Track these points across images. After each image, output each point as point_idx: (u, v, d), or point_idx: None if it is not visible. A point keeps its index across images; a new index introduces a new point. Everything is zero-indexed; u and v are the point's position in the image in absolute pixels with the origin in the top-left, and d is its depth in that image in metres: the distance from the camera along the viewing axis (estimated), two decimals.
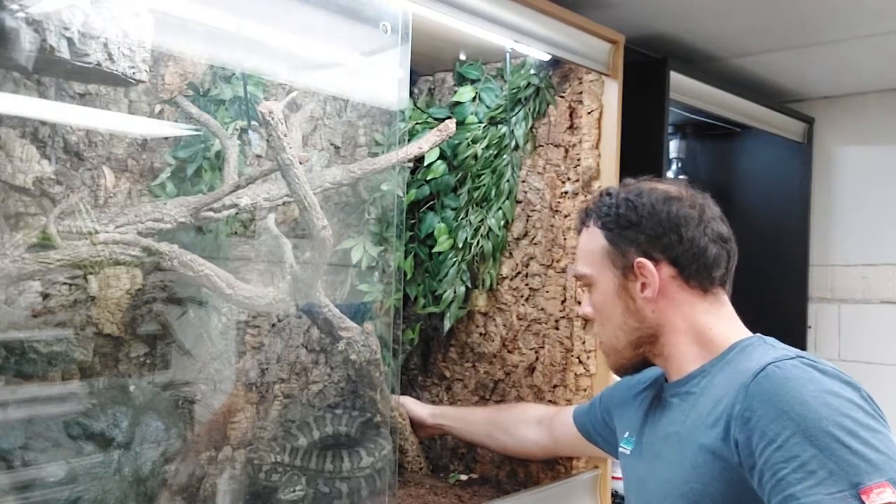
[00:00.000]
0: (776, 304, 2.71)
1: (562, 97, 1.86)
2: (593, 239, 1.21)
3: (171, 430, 1.36)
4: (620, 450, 1.30)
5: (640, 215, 1.16)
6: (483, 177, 1.92)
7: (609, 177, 1.77)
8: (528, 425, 1.65)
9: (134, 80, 1.16)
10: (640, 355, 1.21)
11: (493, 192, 1.90)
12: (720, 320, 1.17)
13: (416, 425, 1.76)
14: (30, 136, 1.28)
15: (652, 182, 1.22)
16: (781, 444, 0.95)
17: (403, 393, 2.02)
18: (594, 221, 1.21)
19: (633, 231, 1.16)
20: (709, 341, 1.16)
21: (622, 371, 1.25)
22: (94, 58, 1.09)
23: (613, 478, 1.90)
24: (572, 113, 1.84)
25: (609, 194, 1.22)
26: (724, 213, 1.22)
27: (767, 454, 0.96)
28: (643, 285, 1.16)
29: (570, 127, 1.84)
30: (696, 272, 1.15)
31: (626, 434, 1.29)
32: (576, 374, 1.80)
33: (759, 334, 1.16)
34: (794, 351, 1.07)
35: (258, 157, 1.59)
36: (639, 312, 1.17)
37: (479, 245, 1.91)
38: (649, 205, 1.16)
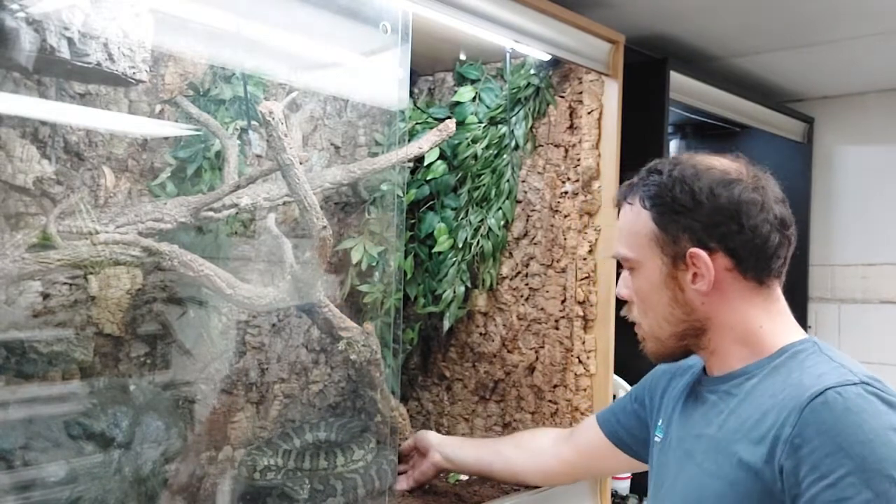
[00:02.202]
0: None
1: (562, 97, 1.86)
2: (639, 220, 1.09)
3: (172, 430, 1.35)
4: (654, 438, 1.22)
5: (697, 200, 1.03)
6: (483, 177, 1.92)
7: (609, 177, 1.77)
8: (544, 438, 1.52)
9: (134, 80, 1.16)
10: (683, 346, 1.11)
11: (493, 192, 1.90)
12: (772, 318, 1.08)
13: (420, 456, 1.59)
14: (30, 136, 1.28)
15: (706, 158, 1.09)
16: (834, 482, 0.89)
17: (404, 393, 2.03)
18: (640, 200, 1.09)
19: (688, 217, 1.04)
20: (757, 340, 1.06)
21: (661, 359, 1.16)
22: (94, 58, 1.09)
23: (613, 478, 1.90)
24: (572, 113, 1.84)
25: (659, 171, 1.08)
26: None
27: (816, 490, 0.90)
28: (695, 276, 1.05)
29: (570, 127, 1.84)
30: (754, 264, 1.05)
31: (660, 422, 1.22)
32: (576, 374, 1.80)
33: (812, 337, 1.07)
34: (857, 371, 0.98)
35: (258, 157, 1.59)
36: (687, 304, 1.07)
37: (479, 245, 1.91)
38: (707, 188, 1.03)
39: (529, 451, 1.50)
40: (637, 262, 1.10)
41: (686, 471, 1.09)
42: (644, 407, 1.31)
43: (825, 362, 1.01)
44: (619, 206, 1.15)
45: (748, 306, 1.07)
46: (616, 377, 1.84)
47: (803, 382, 0.97)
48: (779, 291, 1.09)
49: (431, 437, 1.59)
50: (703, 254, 1.04)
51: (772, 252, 1.05)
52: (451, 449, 1.56)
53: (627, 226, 1.12)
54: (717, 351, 1.09)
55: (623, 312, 1.18)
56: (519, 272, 1.91)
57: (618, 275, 1.18)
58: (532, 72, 1.87)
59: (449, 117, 1.82)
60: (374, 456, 1.56)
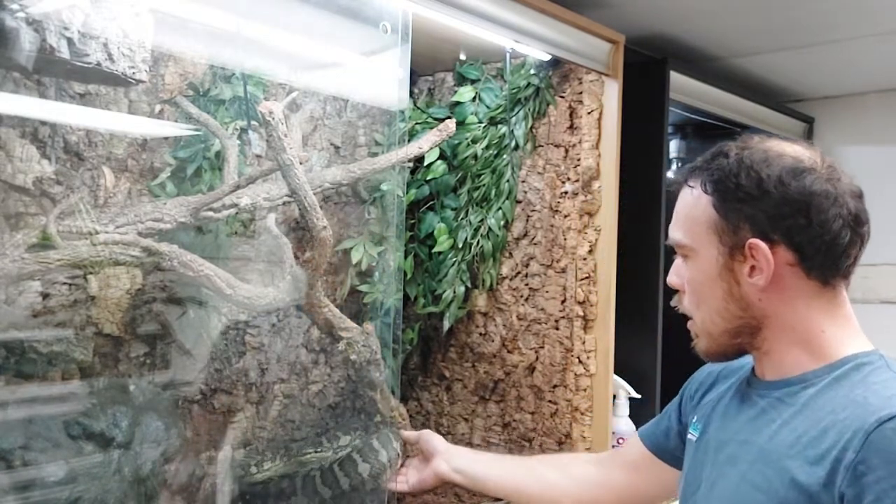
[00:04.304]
0: None
1: (562, 97, 1.86)
2: (698, 205, 1.01)
3: (171, 429, 1.36)
4: (688, 436, 1.14)
5: (764, 189, 0.95)
6: (483, 177, 1.92)
7: (609, 177, 1.77)
8: (588, 464, 1.36)
9: (134, 80, 1.16)
10: (736, 345, 1.04)
11: (492, 192, 1.90)
12: (836, 322, 1.00)
13: (423, 461, 1.44)
14: (30, 136, 1.28)
15: (779, 143, 1.01)
16: None
17: (403, 393, 2.03)
18: (702, 185, 1.01)
19: (752, 206, 0.96)
20: (818, 346, 0.99)
21: (712, 357, 1.08)
22: (94, 58, 1.09)
23: None
24: (572, 113, 1.84)
25: (725, 154, 1.00)
26: None
27: None
28: (752, 269, 0.98)
29: (570, 127, 1.84)
30: (821, 262, 0.97)
31: (695, 419, 1.14)
32: (576, 374, 1.80)
33: (878, 350, 1.00)
34: None
35: (258, 157, 1.59)
36: (743, 299, 0.99)
37: (479, 245, 1.91)
38: (776, 177, 0.95)
39: (573, 477, 1.34)
40: (692, 249, 1.03)
41: (727, 477, 1.02)
42: (684, 408, 1.22)
43: (893, 380, 0.94)
44: (679, 188, 1.07)
45: (810, 307, 0.99)
46: (616, 377, 1.84)
47: (869, 402, 0.90)
48: (845, 295, 1.02)
49: (438, 442, 1.42)
50: (763, 245, 0.96)
51: (841, 250, 0.98)
52: (463, 461, 1.38)
53: (685, 210, 1.04)
54: (771, 352, 1.02)
55: (673, 303, 1.11)
56: (519, 272, 1.91)
57: (669, 262, 1.11)
58: (532, 72, 1.87)
59: (449, 117, 1.82)
60: (361, 443, 1.53)
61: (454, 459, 1.38)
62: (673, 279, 1.09)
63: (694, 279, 1.04)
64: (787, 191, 0.95)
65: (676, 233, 1.06)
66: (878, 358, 0.98)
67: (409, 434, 1.49)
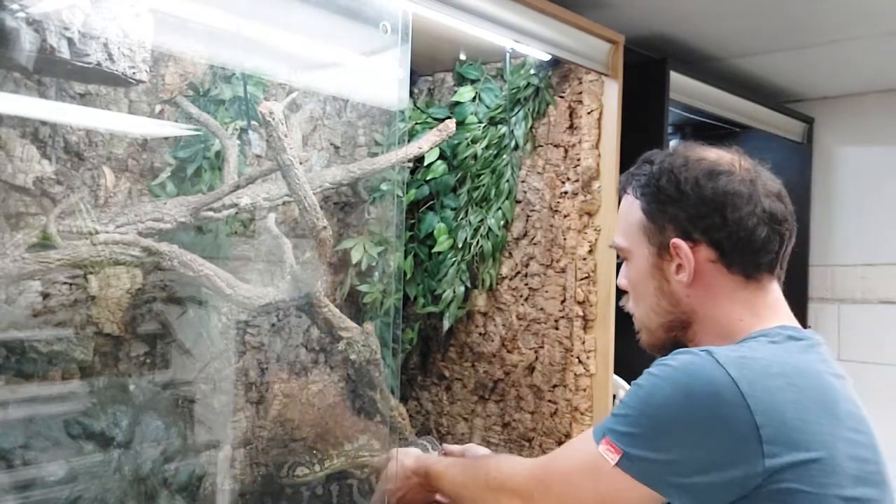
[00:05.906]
0: None
1: (561, 97, 1.86)
2: (631, 210, 1.10)
3: (171, 429, 1.36)
4: None
5: (682, 190, 1.04)
6: (483, 177, 1.92)
7: (609, 177, 1.77)
8: None
9: (134, 80, 1.16)
10: (672, 338, 1.11)
11: (492, 192, 1.90)
12: (755, 312, 1.05)
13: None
14: (30, 136, 1.28)
15: (701, 149, 1.09)
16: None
17: (403, 393, 2.03)
18: (633, 190, 1.10)
19: (673, 207, 1.05)
20: (732, 334, 1.04)
21: (653, 350, 1.15)
22: (94, 58, 1.09)
23: None
24: (572, 113, 1.84)
25: (651, 161, 1.10)
26: None
27: None
28: (678, 267, 1.05)
29: (570, 127, 1.85)
30: (739, 257, 1.03)
31: None
32: (575, 374, 1.80)
33: (792, 327, 1.04)
34: (751, 356, 0.96)
35: (258, 157, 1.59)
36: (672, 295, 1.07)
37: (479, 245, 1.91)
38: (692, 179, 1.03)
39: None
40: (629, 251, 1.12)
41: None
42: None
43: (754, 344, 1.00)
44: (619, 197, 1.16)
45: (734, 302, 1.05)
46: (616, 377, 1.84)
47: None
48: (772, 287, 1.07)
49: (483, 453, 1.41)
50: (683, 244, 1.04)
51: (758, 246, 1.03)
52: None
53: (623, 215, 1.13)
54: (699, 345, 1.06)
55: (621, 302, 1.19)
56: (518, 272, 1.92)
57: (619, 266, 1.18)
58: (532, 72, 1.87)
59: (449, 117, 1.82)
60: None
61: None
62: (621, 281, 1.16)
63: (632, 279, 1.13)
64: (703, 192, 1.03)
65: (617, 237, 1.14)
66: (776, 332, 1.01)
67: (454, 447, 1.47)
